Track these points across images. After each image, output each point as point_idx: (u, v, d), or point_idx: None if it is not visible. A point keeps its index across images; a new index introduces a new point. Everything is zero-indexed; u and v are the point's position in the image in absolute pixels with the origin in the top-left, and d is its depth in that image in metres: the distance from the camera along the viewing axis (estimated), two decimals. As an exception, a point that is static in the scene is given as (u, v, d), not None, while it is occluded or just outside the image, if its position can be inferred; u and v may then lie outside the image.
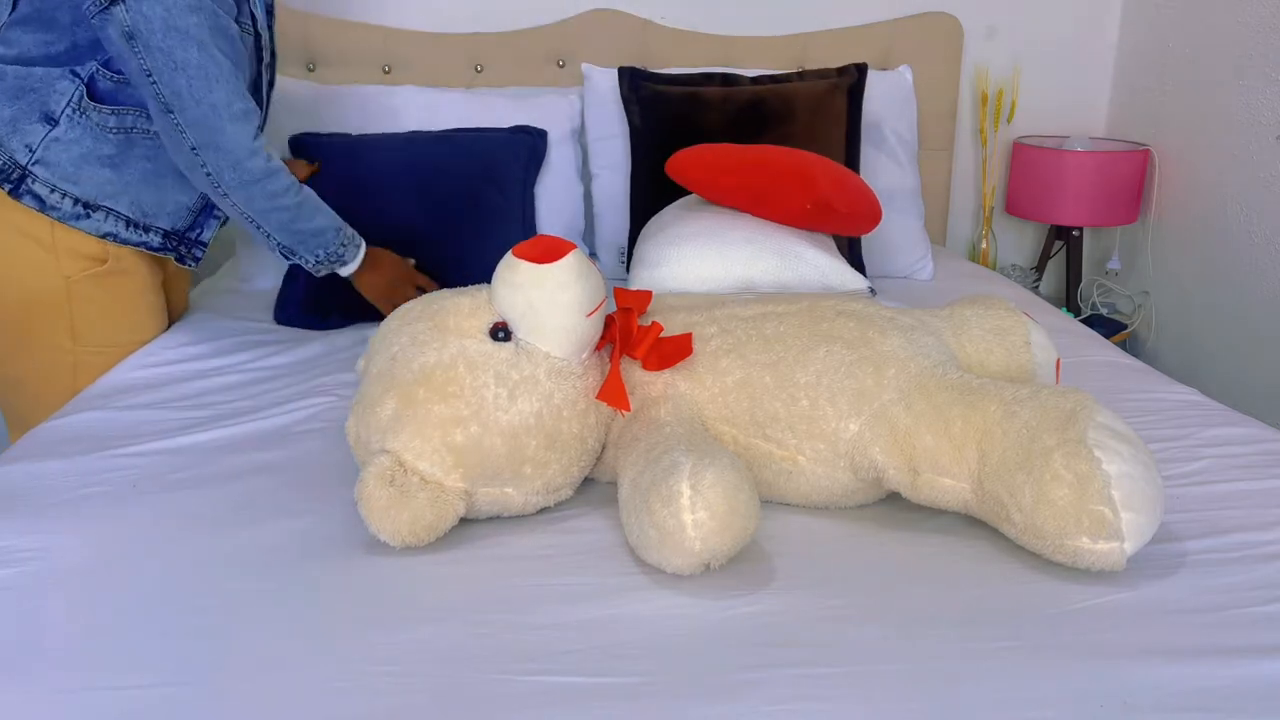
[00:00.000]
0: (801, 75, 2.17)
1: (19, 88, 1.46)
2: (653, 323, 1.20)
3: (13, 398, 1.62)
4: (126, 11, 1.35)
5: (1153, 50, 2.45)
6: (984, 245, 2.60)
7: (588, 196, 2.22)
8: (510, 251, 1.11)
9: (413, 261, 1.75)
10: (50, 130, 1.47)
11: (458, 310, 1.12)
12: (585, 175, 2.22)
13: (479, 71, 2.33)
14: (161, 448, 1.30)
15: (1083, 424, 0.99)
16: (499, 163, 1.98)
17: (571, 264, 1.09)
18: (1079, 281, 2.58)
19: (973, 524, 1.10)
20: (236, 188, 1.46)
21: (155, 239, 1.60)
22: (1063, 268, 2.61)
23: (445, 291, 1.18)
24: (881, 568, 1.03)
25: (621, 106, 2.14)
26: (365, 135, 1.98)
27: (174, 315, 1.82)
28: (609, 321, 1.19)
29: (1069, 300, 2.58)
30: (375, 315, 1.70)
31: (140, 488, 1.19)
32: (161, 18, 1.35)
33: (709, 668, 0.86)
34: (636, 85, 2.12)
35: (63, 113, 1.47)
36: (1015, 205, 2.50)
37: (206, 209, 1.66)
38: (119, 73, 1.47)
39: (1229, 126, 2.22)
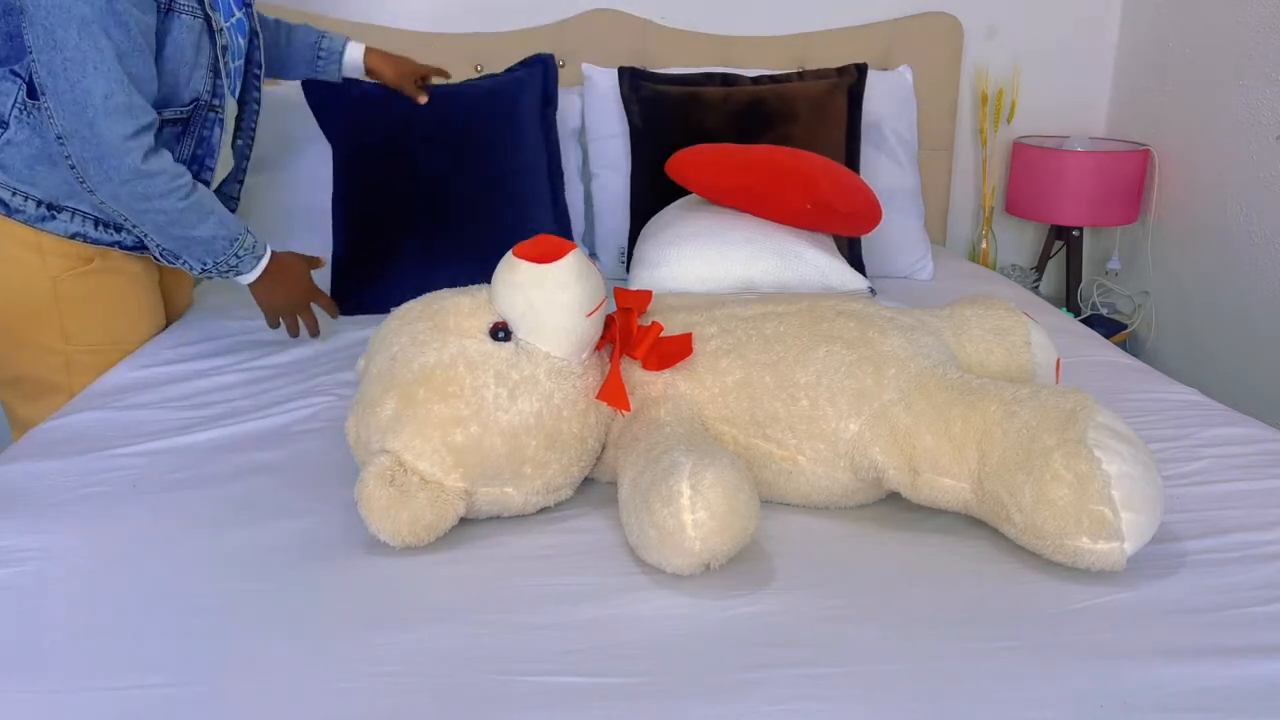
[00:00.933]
0: (801, 75, 2.17)
1: None
2: (653, 323, 1.20)
3: (11, 399, 1.62)
4: None
5: (1153, 50, 2.45)
6: (984, 245, 2.60)
7: (588, 196, 2.22)
8: (510, 251, 1.11)
9: (321, 261, 1.66)
10: (2, 133, 1.44)
11: (458, 310, 1.12)
12: (585, 175, 2.22)
13: (479, 71, 2.33)
14: (161, 448, 1.30)
15: (1083, 424, 0.99)
16: (514, 97, 2.00)
17: (571, 264, 1.09)
18: (1079, 281, 2.58)
19: (973, 524, 1.10)
20: (102, 184, 1.38)
21: (128, 238, 1.56)
22: (1063, 268, 2.61)
23: (445, 291, 1.18)
24: (881, 568, 1.03)
25: (621, 106, 2.14)
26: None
27: (178, 312, 1.82)
28: (609, 321, 1.19)
29: (1069, 300, 2.58)
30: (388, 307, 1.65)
31: (140, 488, 1.19)
32: None
33: (709, 668, 0.86)
34: (636, 85, 2.12)
35: (10, 114, 1.44)
36: (1015, 205, 2.51)
37: None
38: None
39: (1229, 126, 2.22)
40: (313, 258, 1.64)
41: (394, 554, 1.04)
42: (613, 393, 1.12)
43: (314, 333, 1.66)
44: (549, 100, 2.07)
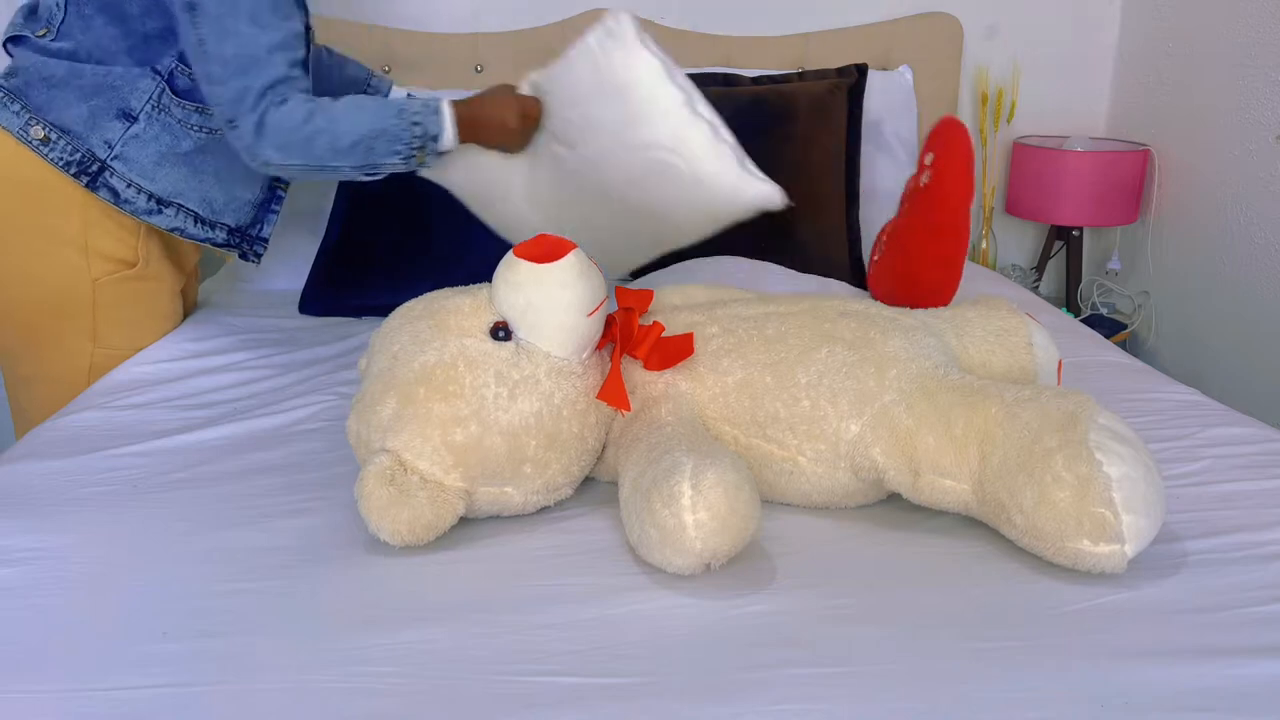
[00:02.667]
0: (801, 75, 2.17)
1: (97, 85, 1.47)
2: (654, 322, 1.20)
3: (23, 396, 1.62)
4: None
5: (1153, 50, 2.45)
6: (984, 245, 2.60)
7: (588, 196, 2.22)
8: (511, 251, 1.11)
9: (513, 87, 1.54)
10: (130, 127, 1.48)
11: (458, 310, 1.12)
12: (585, 175, 2.22)
13: (479, 71, 2.33)
14: (161, 448, 1.30)
15: (1084, 426, 0.99)
16: None
17: (572, 263, 1.09)
18: (1079, 281, 2.58)
19: (973, 525, 1.10)
20: (271, 151, 1.38)
21: (220, 235, 1.61)
22: (1063, 268, 2.61)
23: (447, 290, 1.18)
24: (881, 568, 1.03)
25: (621, 106, 2.14)
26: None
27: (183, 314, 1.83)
28: (610, 321, 1.19)
29: (1069, 300, 2.58)
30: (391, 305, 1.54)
31: (140, 488, 1.19)
32: None
33: (709, 668, 0.86)
34: (636, 85, 2.11)
35: (142, 110, 1.48)
36: (1015, 205, 2.50)
37: (265, 203, 1.67)
38: None
39: (1229, 126, 2.22)
40: (503, 86, 1.53)
41: (394, 554, 1.04)
42: (613, 392, 1.12)
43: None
44: None
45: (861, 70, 2.12)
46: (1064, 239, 2.56)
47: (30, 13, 1.52)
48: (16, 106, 1.46)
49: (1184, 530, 1.08)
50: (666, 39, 2.34)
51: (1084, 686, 0.84)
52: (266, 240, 1.70)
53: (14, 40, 1.51)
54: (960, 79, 2.47)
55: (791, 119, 2.04)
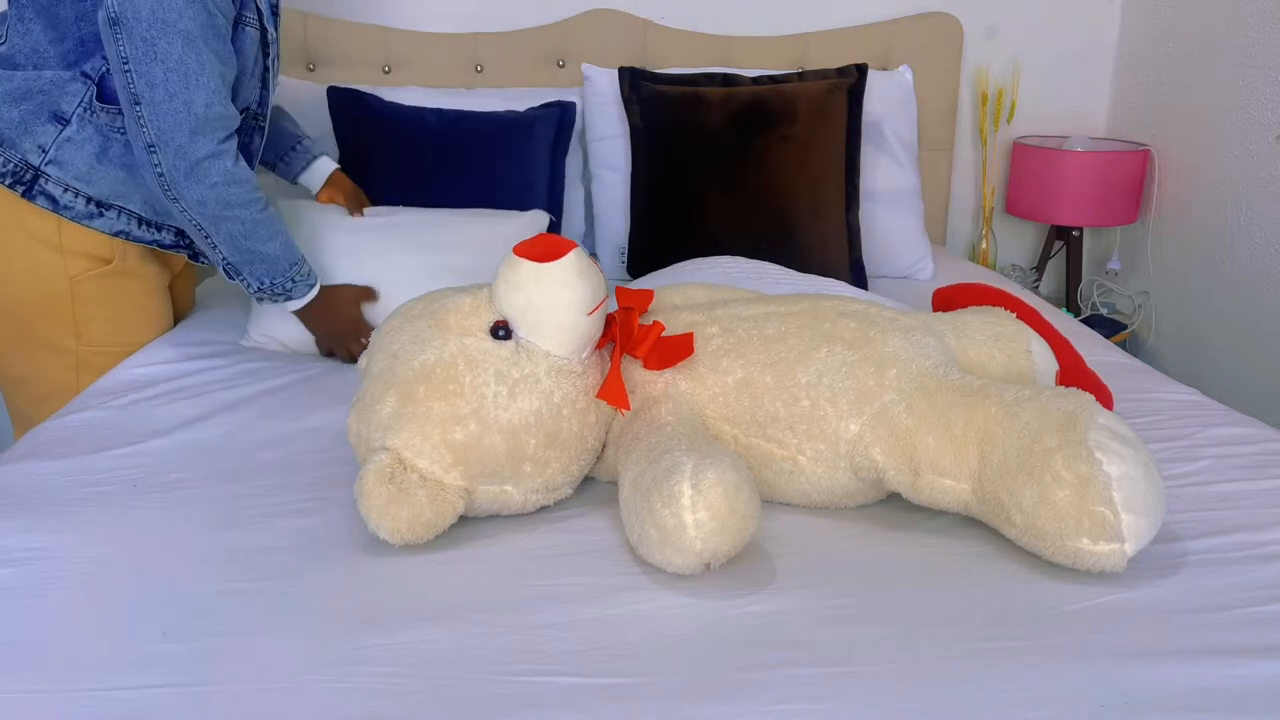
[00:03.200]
0: (802, 76, 2.17)
1: (27, 89, 1.46)
2: (654, 322, 1.20)
3: (16, 397, 1.62)
4: None
5: (1153, 50, 2.45)
6: (984, 245, 2.60)
7: (588, 197, 2.22)
8: (511, 250, 1.11)
9: (375, 294, 1.63)
10: (62, 130, 1.47)
11: (459, 308, 1.12)
12: (585, 176, 2.22)
13: (479, 71, 2.33)
14: (161, 448, 1.30)
15: (1084, 425, 0.99)
16: (528, 130, 2.03)
17: (572, 262, 1.09)
18: (1079, 281, 2.58)
19: (973, 524, 1.10)
20: (189, 189, 1.40)
21: (167, 236, 1.60)
22: (1063, 268, 2.61)
23: (447, 289, 1.18)
24: (881, 568, 1.03)
25: (622, 107, 2.14)
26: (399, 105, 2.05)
27: (181, 315, 1.83)
28: (610, 320, 1.19)
29: (1069, 300, 2.58)
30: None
31: (140, 488, 1.19)
32: (150, 7, 1.32)
33: (709, 668, 0.86)
34: (637, 85, 2.12)
35: (74, 113, 1.46)
36: (1015, 205, 2.50)
37: None
38: None
39: (1229, 126, 2.22)
40: (365, 288, 1.63)
41: (394, 553, 1.04)
42: (613, 392, 1.12)
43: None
44: (560, 139, 2.07)
45: (861, 70, 2.12)
46: (1064, 239, 2.56)
47: None
48: None
49: (1184, 530, 1.08)
50: (666, 39, 2.35)
51: (1084, 686, 0.84)
52: None
53: None
54: (960, 79, 2.47)
55: (792, 119, 2.04)
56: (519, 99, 2.17)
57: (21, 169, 1.46)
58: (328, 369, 1.57)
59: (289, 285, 1.54)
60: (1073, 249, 2.55)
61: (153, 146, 1.38)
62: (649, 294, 1.27)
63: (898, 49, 2.39)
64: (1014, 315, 1.30)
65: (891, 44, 2.39)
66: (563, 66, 2.33)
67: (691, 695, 0.83)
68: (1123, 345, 2.42)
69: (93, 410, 1.40)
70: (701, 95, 2.08)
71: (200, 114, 1.37)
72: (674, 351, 1.16)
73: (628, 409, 1.14)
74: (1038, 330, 1.31)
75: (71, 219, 1.49)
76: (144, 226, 1.56)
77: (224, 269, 1.52)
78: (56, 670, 0.86)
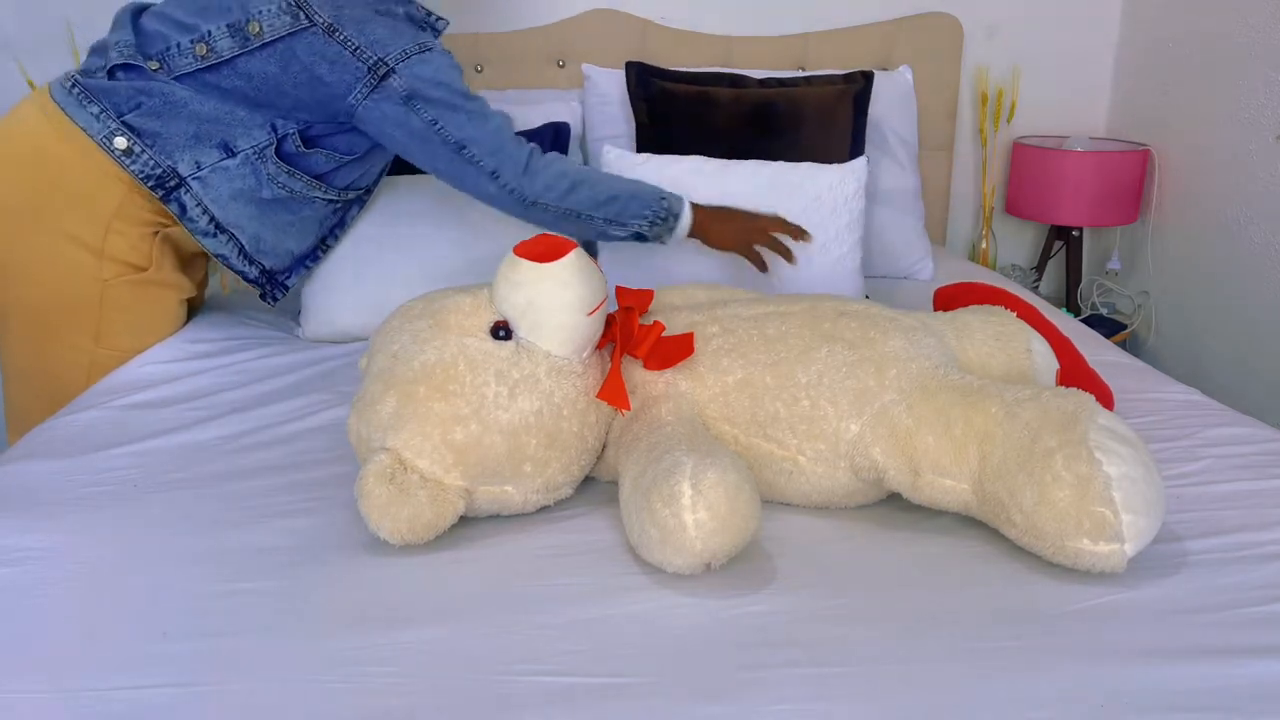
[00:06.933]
0: (809, 80, 2.16)
1: (213, 116, 1.50)
2: (654, 322, 1.20)
3: (20, 390, 1.62)
4: (400, 78, 1.45)
5: (1153, 50, 2.45)
6: (984, 245, 2.60)
7: (588, 196, 2.21)
8: (511, 250, 1.11)
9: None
10: (223, 159, 1.51)
11: (459, 309, 1.12)
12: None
13: (479, 71, 2.33)
14: (161, 447, 1.30)
15: (1084, 425, 0.99)
16: None
17: (572, 262, 1.09)
18: (1079, 281, 2.58)
19: (973, 524, 1.10)
20: (532, 185, 1.52)
21: (254, 271, 1.65)
22: (1063, 268, 2.61)
23: (447, 289, 1.18)
24: (881, 568, 1.03)
25: (623, 108, 2.14)
26: None
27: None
28: (610, 320, 1.19)
29: (1069, 300, 2.58)
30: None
31: (140, 488, 1.19)
32: (431, 74, 1.46)
33: (709, 668, 0.86)
34: (645, 82, 2.11)
35: (243, 151, 1.51)
36: (1015, 205, 2.51)
37: (303, 258, 1.71)
38: (311, 145, 1.54)
39: (1229, 126, 2.22)
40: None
41: (394, 553, 1.04)
42: (613, 392, 1.12)
43: (790, 258, 1.68)
44: (556, 149, 2.06)
45: (868, 77, 2.12)
46: (1064, 239, 2.56)
47: (132, 45, 1.50)
48: (95, 109, 1.47)
49: (1184, 530, 1.08)
50: (666, 39, 2.35)
51: (1084, 686, 0.84)
52: (289, 288, 1.73)
53: (124, 68, 1.50)
54: (960, 79, 2.47)
55: (799, 123, 2.04)
56: (519, 99, 2.17)
57: (168, 175, 1.50)
58: (328, 369, 1.57)
59: (668, 205, 1.60)
60: (1073, 249, 2.55)
61: (495, 173, 1.51)
62: (649, 294, 1.27)
63: (898, 49, 2.39)
64: (1014, 314, 1.30)
65: (891, 44, 2.39)
66: (563, 66, 2.33)
67: (691, 695, 0.83)
68: (1123, 345, 2.42)
69: (93, 410, 1.40)
70: (710, 95, 2.08)
71: (506, 127, 1.52)
72: (674, 351, 1.16)
73: (628, 409, 1.14)
74: (1038, 329, 1.32)
75: (190, 230, 1.55)
76: (241, 258, 1.62)
77: (613, 231, 1.59)
78: (56, 670, 0.86)
